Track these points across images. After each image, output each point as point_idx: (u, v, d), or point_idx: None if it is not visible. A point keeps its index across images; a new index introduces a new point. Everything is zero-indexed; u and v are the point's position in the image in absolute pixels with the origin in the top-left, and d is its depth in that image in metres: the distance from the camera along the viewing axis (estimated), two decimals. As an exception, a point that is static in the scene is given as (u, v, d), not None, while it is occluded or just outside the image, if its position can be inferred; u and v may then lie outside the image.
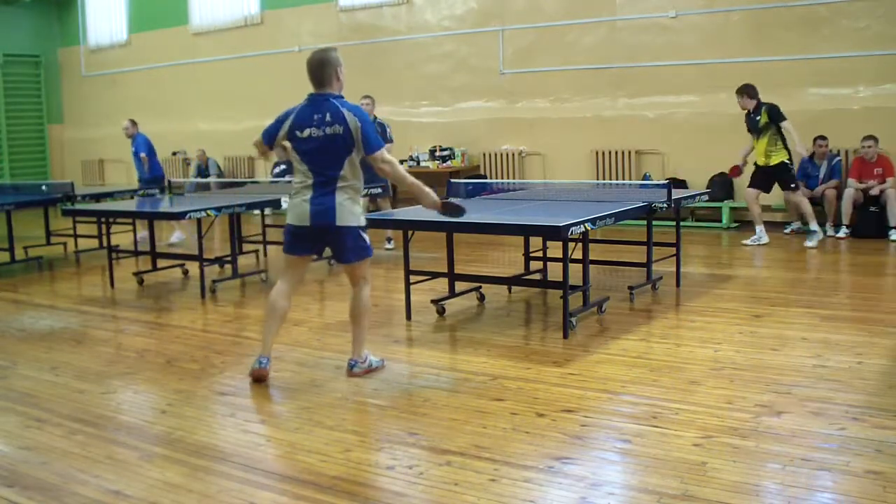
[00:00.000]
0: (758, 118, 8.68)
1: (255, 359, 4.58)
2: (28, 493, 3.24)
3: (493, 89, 12.02)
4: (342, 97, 4.46)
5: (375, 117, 9.04)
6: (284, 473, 3.41)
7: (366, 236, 4.50)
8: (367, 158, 4.38)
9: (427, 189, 4.60)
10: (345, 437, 3.76)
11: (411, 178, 4.54)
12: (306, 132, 4.39)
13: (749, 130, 8.84)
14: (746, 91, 8.71)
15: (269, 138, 4.59)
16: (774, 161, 8.70)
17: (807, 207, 8.72)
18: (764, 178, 8.85)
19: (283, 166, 13.31)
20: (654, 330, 5.48)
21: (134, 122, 10.41)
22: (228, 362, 5.02)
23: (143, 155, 10.21)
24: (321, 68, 4.42)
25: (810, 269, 7.73)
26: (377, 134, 4.48)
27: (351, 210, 4.40)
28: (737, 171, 9.04)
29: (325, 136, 4.35)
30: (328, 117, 4.34)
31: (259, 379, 4.52)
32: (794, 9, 9.79)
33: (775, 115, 8.57)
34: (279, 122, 4.54)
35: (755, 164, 8.94)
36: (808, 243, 8.54)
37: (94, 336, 5.87)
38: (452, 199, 4.60)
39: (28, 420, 4.09)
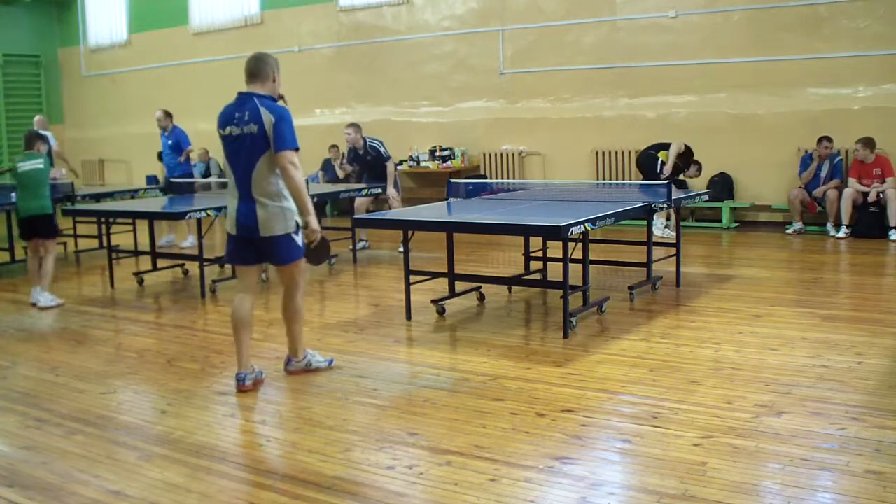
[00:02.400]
0: None
1: (235, 376, 4.47)
2: (28, 493, 3.24)
3: (493, 89, 12.02)
4: (270, 98, 4.32)
5: (365, 140, 9.01)
6: (284, 473, 3.41)
7: (297, 238, 4.36)
8: (274, 157, 4.19)
9: (312, 212, 4.37)
10: (345, 437, 3.76)
11: (305, 194, 4.31)
12: (227, 129, 4.32)
13: None
14: None
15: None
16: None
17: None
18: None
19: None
20: (654, 330, 5.48)
21: (168, 114, 10.02)
22: (228, 362, 5.01)
23: (189, 148, 9.96)
24: (256, 62, 4.33)
25: (810, 269, 7.73)
26: (293, 135, 4.25)
27: (274, 216, 4.24)
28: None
29: (242, 135, 4.25)
30: (247, 116, 4.24)
31: (246, 392, 4.41)
32: (794, 9, 9.79)
33: None
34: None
35: None
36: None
37: (94, 336, 5.87)
38: (324, 240, 4.46)
39: (28, 420, 4.09)
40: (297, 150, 4.26)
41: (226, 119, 4.34)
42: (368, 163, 9.09)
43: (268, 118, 4.20)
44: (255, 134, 4.21)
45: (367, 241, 9.37)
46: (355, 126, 9.01)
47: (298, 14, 13.63)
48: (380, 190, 8.89)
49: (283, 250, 4.34)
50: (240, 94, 4.36)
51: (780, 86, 10.01)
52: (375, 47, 12.87)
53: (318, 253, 4.51)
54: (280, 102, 4.40)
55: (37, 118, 11.79)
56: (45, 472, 3.45)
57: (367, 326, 5.82)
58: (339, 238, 8.81)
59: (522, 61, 11.70)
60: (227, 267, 8.00)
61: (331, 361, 4.80)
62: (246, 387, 4.41)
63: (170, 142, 10.05)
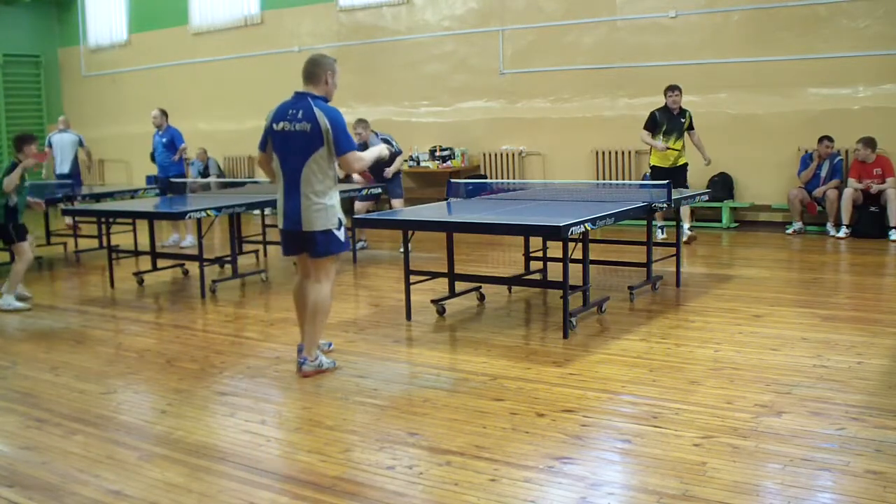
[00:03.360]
0: (683, 120, 8.99)
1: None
2: (28, 493, 3.24)
3: (493, 89, 12.02)
4: (323, 99, 4.52)
5: (377, 134, 9.02)
6: (284, 473, 3.41)
7: (339, 234, 4.55)
8: (338, 160, 4.47)
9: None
10: (345, 437, 3.76)
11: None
12: (280, 125, 4.51)
13: (666, 130, 8.94)
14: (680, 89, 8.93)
15: (261, 144, 4.69)
16: (682, 162, 9.00)
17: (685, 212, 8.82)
18: (667, 178, 8.30)
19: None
20: (654, 330, 5.48)
21: (164, 113, 10.13)
22: (228, 362, 5.02)
23: (183, 146, 10.00)
24: (312, 65, 4.56)
25: (810, 269, 7.73)
26: (348, 137, 4.53)
27: (317, 213, 4.46)
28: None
29: (293, 132, 4.45)
30: (300, 114, 4.45)
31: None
32: (794, 9, 9.79)
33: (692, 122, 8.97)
34: (267, 120, 4.64)
35: (655, 165, 9.04)
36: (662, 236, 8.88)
37: (94, 336, 5.87)
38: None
39: (28, 420, 4.09)
40: (354, 149, 4.55)
41: (279, 115, 4.52)
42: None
43: (323, 120, 4.41)
44: (307, 132, 4.41)
45: (366, 240, 9.36)
46: (363, 122, 8.98)
47: (298, 14, 13.63)
48: (379, 190, 8.88)
49: (320, 245, 4.53)
50: (296, 92, 4.56)
51: (780, 86, 10.01)
52: (375, 47, 12.87)
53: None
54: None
55: (60, 118, 11.94)
56: (45, 472, 3.45)
57: (367, 326, 5.82)
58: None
59: (522, 61, 11.70)
60: (227, 267, 8.01)
61: (333, 363, 4.79)
62: (305, 372, 4.67)
63: (164, 140, 10.03)
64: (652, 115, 9.01)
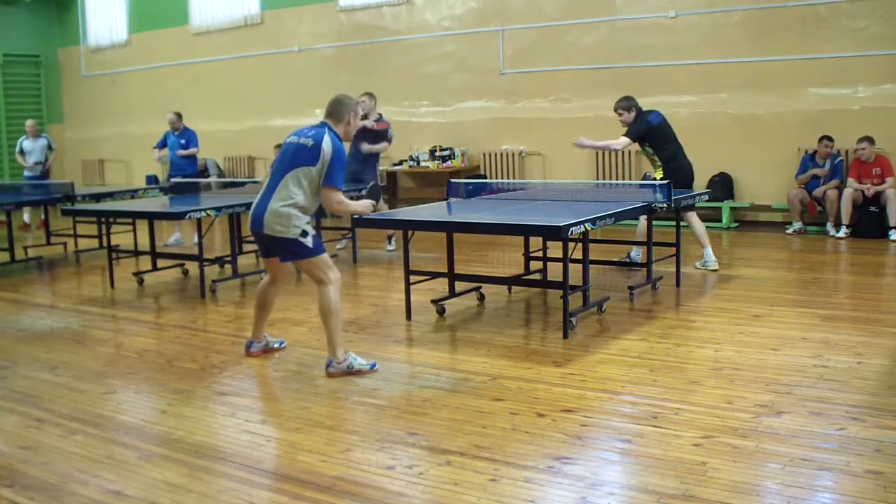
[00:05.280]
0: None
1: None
2: (28, 493, 3.24)
3: (493, 89, 12.02)
4: (338, 136, 4.63)
5: (380, 115, 9.03)
6: (284, 473, 3.41)
7: (305, 241, 4.57)
8: (322, 189, 4.56)
9: (359, 204, 4.87)
10: (345, 437, 3.76)
11: (353, 205, 4.86)
12: (291, 139, 4.72)
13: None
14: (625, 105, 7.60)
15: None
16: (657, 176, 7.57)
17: (698, 228, 7.38)
18: None
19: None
20: (654, 330, 5.48)
21: (179, 115, 10.23)
22: (228, 362, 5.02)
23: (195, 150, 10.14)
24: (337, 104, 4.72)
25: (810, 269, 7.73)
26: (340, 176, 4.58)
27: (279, 220, 4.53)
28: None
29: (296, 144, 4.61)
30: (311, 133, 4.61)
31: (252, 356, 5.03)
32: (794, 9, 9.80)
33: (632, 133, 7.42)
34: None
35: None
36: (698, 264, 7.48)
37: (94, 336, 5.87)
38: (374, 200, 5.00)
39: (28, 420, 4.09)
40: (341, 190, 4.62)
41: (296, 132, 4.74)
42: (373, 139, 8.91)
43: (328, 147, 4.52)
44: (307, 147, 4.56)
45: (349, 237, 9.16)
46: (370, 94, 8.96)
47: (298, 14, 13.64)
48: (363, 192, 8.78)
49: (285, 250, 4.65)
50: (321, 121, 4.72)
51: (780, 86, 10.01)
52: (375, 47, 12.88)
53: (373, 196, 5.07)
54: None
55: (28, 123, 12.03)
56: (45, 472, 3.45)
57: (367, 326, 5.82)
58: (332, 239, 8.83)
59: (522, 61, 11.70)
60: (227, 267, 8.01)
61: (373, 365, 4.73)
62: (251, 353, 5.06)
63: (181, 141, 10.17)
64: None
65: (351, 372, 4.64)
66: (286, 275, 5.10)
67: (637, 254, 7.60)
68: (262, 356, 5.07)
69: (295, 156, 4.57)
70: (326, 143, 4.52)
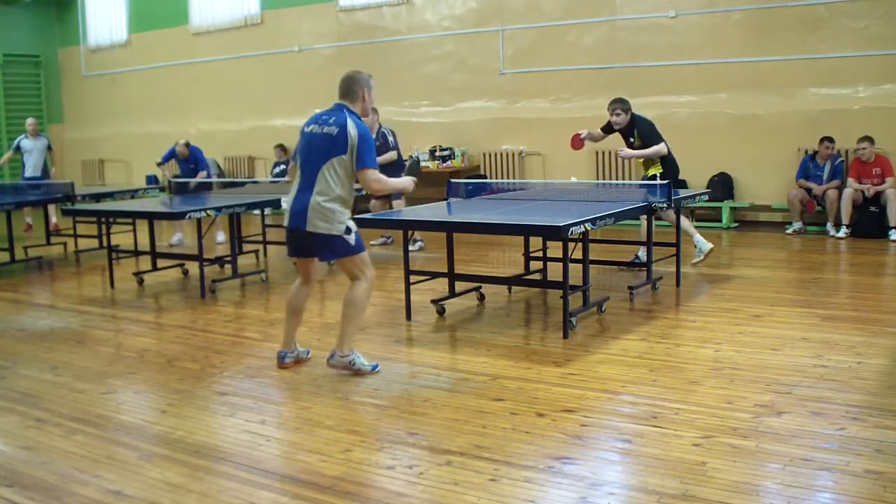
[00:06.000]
0: (631, 139, 7.59)
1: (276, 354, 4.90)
2: (28, 493, 3.24)
3: (493, 89, 12.02)
4: (357, 115, 4.57)
5: (381, 125, 9.03)
6: (284, 473, 3.41)
7: (348, 238, 4.51)
8: (357, 174, 4.49)
9: (400, 181, 4.84)
10: (345, 437, 3.76)
11: (394, 182, 4.81)
12: (310, 127, 4.59)
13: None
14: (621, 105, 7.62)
15: (296, 152, 4.76)
16: (651, 173, 7.56)
17: (685, 224, 7.33)
18: None
19: (283, 166, 13.33)
20: (654, 330, 5.48)
21: (187, 144, 10.23)
22: (228, 362, 5.02)
23: (203, 173, 10.15)
24: (349, 82, 4.61)
25: (810, 269, 7.73)
26: (373, 155, 4.53)
27: (323, 217, 4.44)
28: (578, 142, 7.76)
29: (320, 134, 4.50)
30: (332, 120, 4.50)
31: (284, 368, 4.81)
32: (794, 9, 9.79)
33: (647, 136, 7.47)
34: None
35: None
36: (695, 260, 7.51)
37: (94, 336, 5.86)
38: (414, 175, 4.94)
39: (28, 420, 4.09)
40: (376, 168, 4.54)
41: (313, 119, 4.62)
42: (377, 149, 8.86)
43: (352, 132, 4.43)
44: (333, 136, 4.46)
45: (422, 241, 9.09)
46: (373, 109, 8.94)
47: (298, 14, 13.64)
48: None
49: (324, 247, 4.55)
50: (336, 104, 4.61)
51: (780, 86, 10.02)
52: (375, 47, 12.88)
53: (414, 172, 4.99)
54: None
55: (29, 122, 11.92)
56: (45, 472, 3.45)
57: (367, 326, 5.81)
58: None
59: (522, 61, 11.70)
60: (228, 267, 8.01)
61: (375, 367, 4.72)
62: (285, 364, 4.82)
63: (191, 166, 10.21)
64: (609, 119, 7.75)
65: (350, 368, 4.63)
66: (316, 274, 4.97)
67: (644, 253, 7.45)
68: (282, 363, 5.06)
69: (323, 147, 4.46)
70: (351, 128, 4.43)
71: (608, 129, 7.79)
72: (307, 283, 4.79)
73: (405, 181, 4.81)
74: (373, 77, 4.70)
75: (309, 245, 4.57)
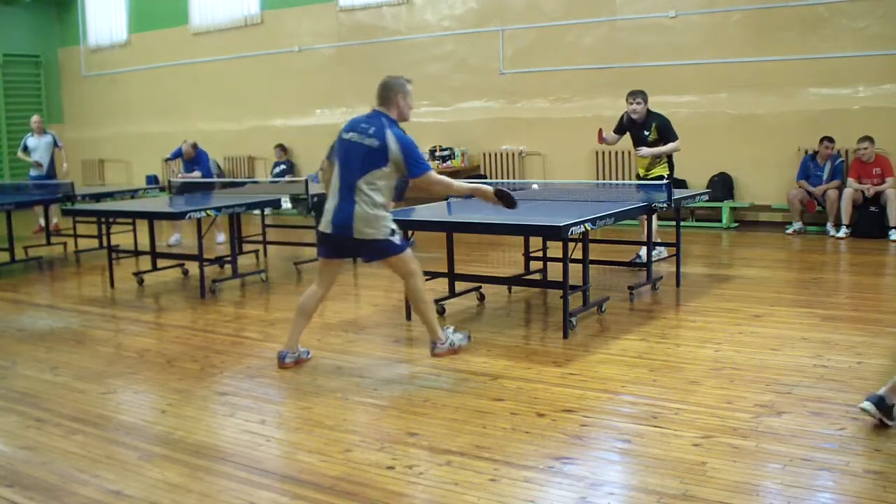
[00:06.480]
0: (647, 132, 7.52)
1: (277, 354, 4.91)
2: (28, 493, 3.24)
3: (493, 89, 12.02)
4: (396, 122, 4.61)
5: None
6: (284, 473, 3.41)
7: (393, 239, 4.62)
8: (414, 182, 4.61)
9: (480, 185, 4.80)
10: (345, 437, 3.76)
11: (462, 185, 4.86)
12: (349, 135, 4.63)
13: (633, 142, 7.70)
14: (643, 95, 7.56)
15: (330, 152, 4.81)
16: (655, 173, 7.54)
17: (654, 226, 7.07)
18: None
19: (283, 166, 13.33)
20: (654, 330, 5.48)
21: (195, 146, 10.24)
22: (228, 362, 5.02)
23: (197, 173, 10.16)
24: (384, 89, 4.67)
25: (810, 269, 7.73)
26: (420, 160, 4.58)
27: (369, 224, 4.53)
28: (602, 137, 7.84)
29: (360, 144, 4.56)
30: (372, 130, 4.56)
31: (285, 369, 4.81)
32: (794, 9, 9.80)
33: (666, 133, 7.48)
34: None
35: (636, 175, 7.95)
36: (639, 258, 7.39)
37: (94, 336, 5.86)
38: (500, 193, 4.71)
39: (28, 420, 4.09)
40: (431, 170, 4.64)
41: (352, 126, 4.66)
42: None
43: (394, 144, 4.49)
44: (374, 148, 4.52)
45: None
46: None
47: (298, 14, 13.64)
48: None
49: (372, 250, 4.66)
50: (374, 109, 4.65)
51: (780, 86, 10.02)
52: (375, 47, 12.88)
53: (506, 201, 4.69)
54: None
55: (34, 120, 11.84)
56: (45, 472, 3.45)
57: (367, 326, 5.82)
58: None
59: (522, 61, 11.70)
60: (228, 267, 8.01)
61: (468, 335, 5.03)
62: (285, 364, 4.81)
63: (196, 167, 10.23)
64: (620, 117, 7.78)
65: (454, 350, 4.89)
66: (336, 280, 5.00)
67: (654, 252, 7.43)
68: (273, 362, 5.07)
69: (364, 158, 4.51)
70: (391, 140, 4.48)
71: (620, 129, 7.83)
72: (324, 287, 4.83)
73: (481, 186, 4.76)
74: (411, 81, 4.71)
75: (353, 248, 4.71)
